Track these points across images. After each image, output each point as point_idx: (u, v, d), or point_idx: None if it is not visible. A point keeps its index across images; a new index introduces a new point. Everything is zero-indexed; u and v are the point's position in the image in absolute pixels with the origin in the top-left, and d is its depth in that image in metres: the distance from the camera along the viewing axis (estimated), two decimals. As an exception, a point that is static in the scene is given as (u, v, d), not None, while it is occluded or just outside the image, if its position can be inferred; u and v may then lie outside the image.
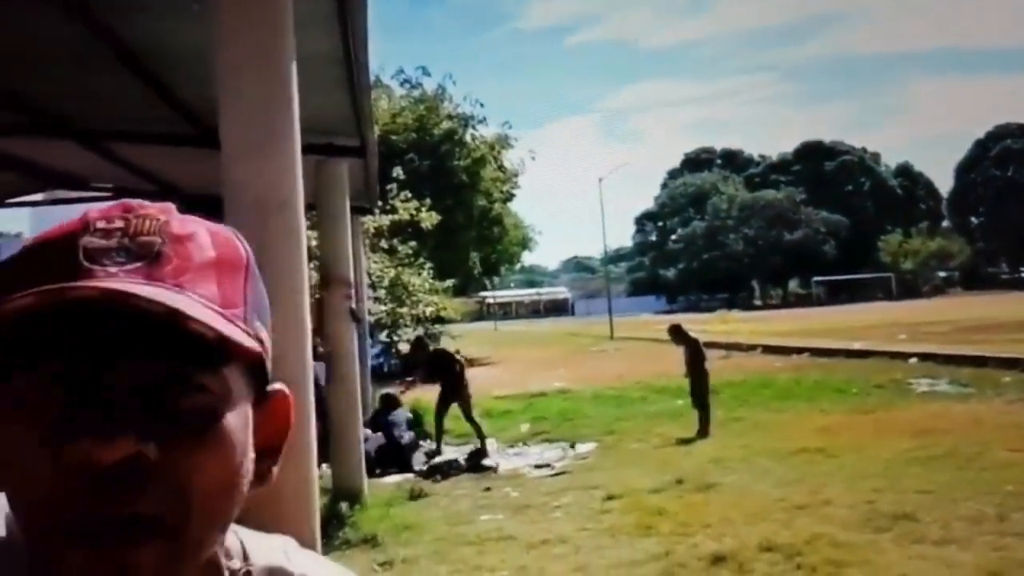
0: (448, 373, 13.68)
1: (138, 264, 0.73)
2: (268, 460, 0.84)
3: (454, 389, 13.51)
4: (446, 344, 31.55)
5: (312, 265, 7.50)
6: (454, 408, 13.58)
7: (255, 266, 0.82)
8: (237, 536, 0.88)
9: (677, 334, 14.26)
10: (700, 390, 13.71)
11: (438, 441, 13.42)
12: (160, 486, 0.70)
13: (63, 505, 0.69)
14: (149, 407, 0.71)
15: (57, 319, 0.68)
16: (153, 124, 7.71)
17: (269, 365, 0.82)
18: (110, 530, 0.68)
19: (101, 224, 0.76)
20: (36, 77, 6.50)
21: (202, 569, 0.79)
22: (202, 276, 0.75)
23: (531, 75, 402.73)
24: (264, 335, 0.80)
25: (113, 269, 0.72)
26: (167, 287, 0.72)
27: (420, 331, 27.78)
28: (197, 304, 0.72)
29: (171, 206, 0.80)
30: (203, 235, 0.79)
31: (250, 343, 0.74)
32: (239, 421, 0.76)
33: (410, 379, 14.90)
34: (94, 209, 0.78)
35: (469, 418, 13.43)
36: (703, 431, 13.29)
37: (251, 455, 0.79)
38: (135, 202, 0.79)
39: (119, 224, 0.76)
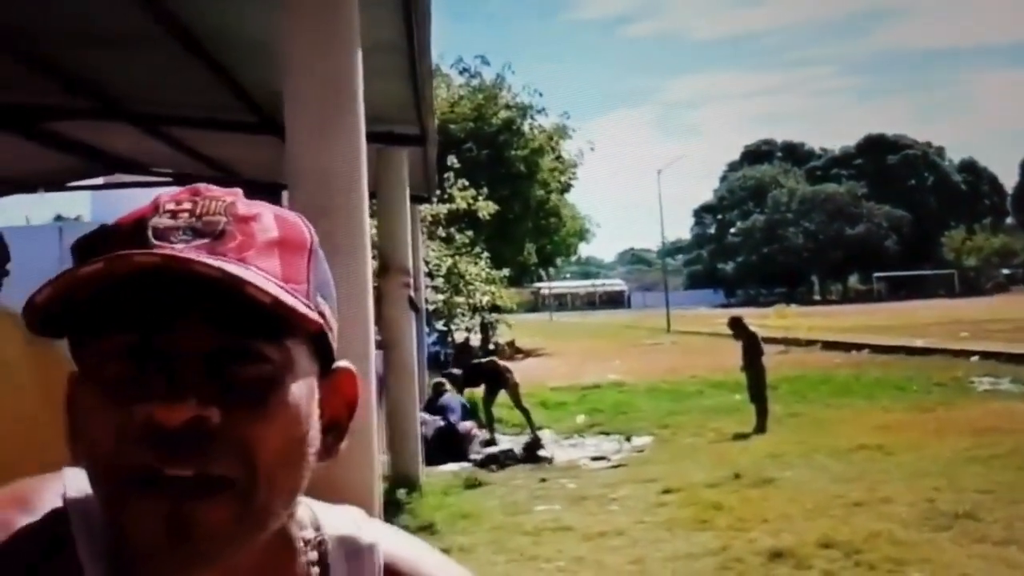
0: (487, 378, 14.04)
1: (203, 241, 0.75)
2: (334, 435, 0.86)
3: (496, 387, 13.86)
4: (502, 332, 31.80)
5: (371, 253, 7.53)
6: (505, 398, 13.86)
7: (319, 249, 0.84)
8: (308, 507, 0.91)
9: (737, 327, 14.20)
10: (757, 385, 13.64)
11: (490, 430, 13.53)
12: (225, 450, 0.72)
13: (130, 461, 0.71)
14: (210, 374, 0.73)
15: (124, 287, 0.71)
16: (214, 110, 7.76)
17: (334, 342, 0.84)
18: (178, 486, 0.71)
19: (170, 206, 0.79)
20: (98, 61, 6.55)
21: (273, 539, 0.81)
22: (265, 253, 0.78)
23: (589, 65, 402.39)
24: (327, 311, 0.83)
25: (179, 245, 0.74)
26: (229, 260, 0.74)
27: (477, 320, 27.83)
28: (257, 275, 0.73)
29: (239, 191, 0.83)
30: (268, 217, 0.81)
31: (308, 312, 0.76)
32: (303, 393, 0.78)
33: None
34: (165, 194, 0.82)
35: (519, 406, 13.68)
36: (760, 426, 13.21)
37: (317, 427, 0.81)
38: (203, 186, 0.82)
39: (187, 206, 0.79)
